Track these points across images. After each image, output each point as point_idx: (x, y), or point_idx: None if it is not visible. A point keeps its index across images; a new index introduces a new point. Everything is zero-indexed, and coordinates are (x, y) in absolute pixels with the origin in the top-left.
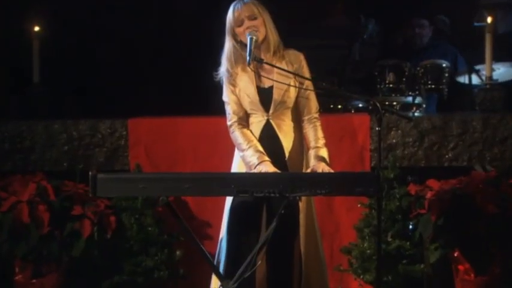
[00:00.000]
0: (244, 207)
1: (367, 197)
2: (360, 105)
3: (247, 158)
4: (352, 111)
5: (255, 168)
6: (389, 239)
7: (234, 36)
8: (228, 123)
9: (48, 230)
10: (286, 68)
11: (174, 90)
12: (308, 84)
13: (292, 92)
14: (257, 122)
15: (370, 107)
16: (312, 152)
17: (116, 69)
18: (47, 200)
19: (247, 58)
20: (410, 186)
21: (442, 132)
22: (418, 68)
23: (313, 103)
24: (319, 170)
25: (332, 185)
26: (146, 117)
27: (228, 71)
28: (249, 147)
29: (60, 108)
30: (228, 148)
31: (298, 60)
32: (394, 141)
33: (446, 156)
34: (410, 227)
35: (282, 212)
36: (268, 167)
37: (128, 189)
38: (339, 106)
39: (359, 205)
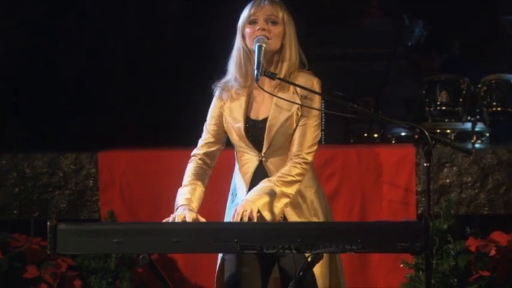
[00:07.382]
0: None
1: (412, 254)
2: (403, 133)
3: (177, 195)
4: (393, 142)
5: (175, 210)
6: None
7: (243, 37)
8: (193, 151)
9: None
10: (291, 94)
11: (155, 115)
12: (315, 114)
13: (295, 124)
14: (249, 164)
15: (416, 136)
16: (259, 183)
17: (82, 91)
18: None
19: (255, 72)
20: (470, 240)
21: (510, 170)
22: (480, 85)
23: (309, 139)
24: (236, 209)
25: (367, 239)
26: (121, 150)
27: (236, 80)
28: (187, 184)
29: (10, 138)
30: (229, 190)
31: (308, 85)
32: (448, 181)
33: None
34: None
35: (301, 274)
36: (187, 214)
37: (98, 244)
38: (375, 135)
39: (402, 265)
